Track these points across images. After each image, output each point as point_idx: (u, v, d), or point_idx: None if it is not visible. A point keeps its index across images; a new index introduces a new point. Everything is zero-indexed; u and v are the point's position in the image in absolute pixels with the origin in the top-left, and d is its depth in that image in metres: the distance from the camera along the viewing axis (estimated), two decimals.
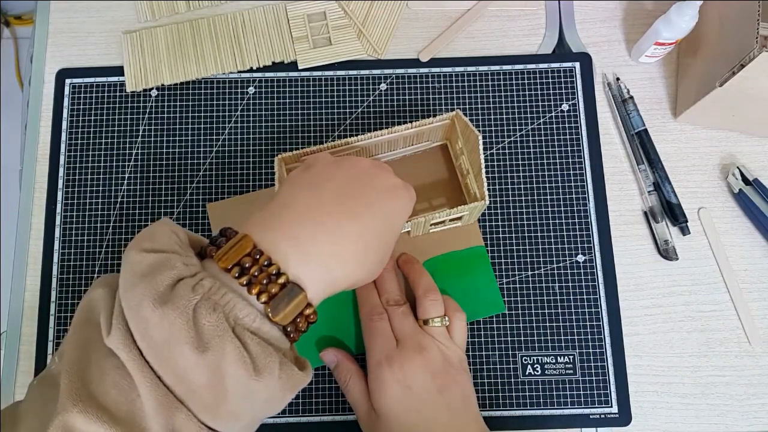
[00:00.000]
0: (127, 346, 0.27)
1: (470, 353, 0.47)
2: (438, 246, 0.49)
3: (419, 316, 0.43)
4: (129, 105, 0.53)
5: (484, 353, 0.48)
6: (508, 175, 0.51)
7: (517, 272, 0.49)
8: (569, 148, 0.51)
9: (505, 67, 0.53)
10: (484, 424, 0.42)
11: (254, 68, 0.53)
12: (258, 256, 0.29)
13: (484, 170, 0.43)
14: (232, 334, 0.27)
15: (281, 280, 0.29)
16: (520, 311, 0.48)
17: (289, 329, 0.30)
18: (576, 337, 0.48)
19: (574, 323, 0.48)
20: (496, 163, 0.51)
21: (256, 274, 0.29)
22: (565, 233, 0.50)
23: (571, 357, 0.47)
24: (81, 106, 0.53)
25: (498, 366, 0.47)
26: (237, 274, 0.29)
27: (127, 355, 0.26)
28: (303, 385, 0.30)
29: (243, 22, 0.54)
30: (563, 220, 0.50)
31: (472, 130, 0.43)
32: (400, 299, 0.44)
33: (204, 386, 0.27)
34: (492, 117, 0.52)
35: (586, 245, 0.49)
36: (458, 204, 0.47)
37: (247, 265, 0.29)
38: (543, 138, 0.52)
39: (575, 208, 0.50)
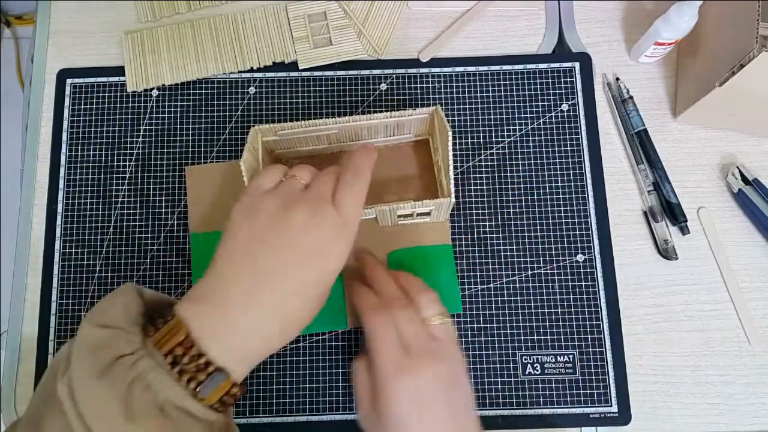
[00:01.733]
0: (72, 403, 0.30)
1: (470, 353, 0.48)
2: (405, 239, 0.49)
3: (418, 314, 0.42)
4: (130, 105, 0.53)
5: (484, 353, 0.48)
6: (508, 174, 0.51)
7: (517, 272, 0.49)
8: (569, 148, 0.51)
9: (505, 67, 0.53)
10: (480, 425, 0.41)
11: (255, 68, 0.53)
12: (190, 346, 0.32)
13: (452, 167, 0.43)
14: (158, 412, 0.31)
15: (210, 369, 0.33)
16: (520, 311, 0.48)
17: (215, 405, 0.33)
18: (576, 337, 0.48)
19: (574, 323, 0.48)
20: (496, 163, 0.51)
21: (186, 362, 0.32)
22: (564, 233, 0.50)
23: (570, 356, 0.47)
24: (82, 106, 0.53)
25: (498, 366, 0.47)
26: (170, 362, 0.32)
27: (70, 411, 0.30)
28: None
29: (243, 22, 0.54)
30: (563, 220, 0.50)
31: (445, 125, 0.43)
32: (404, 299, 0.42)
33: None
34: (492, 117, 0.52)
35: (585, 245, 0.50)
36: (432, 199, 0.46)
37: (179, 354, 0.32)
38: (543, 138, 0.52)
39: (575, 208, 0.50)
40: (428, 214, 0.47)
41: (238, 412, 0.46)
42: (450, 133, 0.42)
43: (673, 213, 0.49)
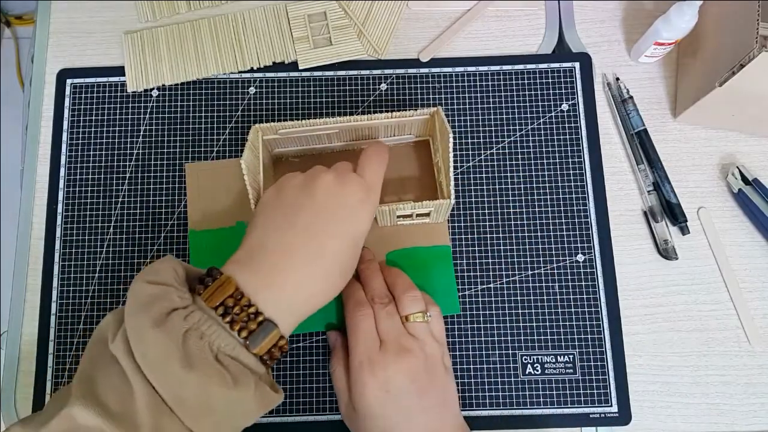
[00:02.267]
0: (128, 356, 0.31)
1: (470, 353, 0.48)
2: (404, 239, 0.49)
3: (400, 312, 0.43)
4: (130, 105, 0.53)
5: (484, 353, 0.48)
6: (508, 174, 0.51)
7: (516, 272, 0.49)
8: (569, 148, 0.51)
9: (505, 67, 0.53)
10: (464, 423, 0.43)
11: (255, 68, 0.53)
12: (239, 297, 0.34)
13: (452, 169, 0.43)
14: (214, 360, 0.32)
15: (259, 319, 0.34)
16: (520, 311, 0.48)
17: (264, 357, 0.35)
18: (576, 337, 0.48)
19: (574, 323, 0.48)
20: (496, 163, 0.51)
21: (237, 313, 0.34)
22: (564, 233, 0.50)
23: (571, 356, 0.47)
24: (82, 106, 0.53)
25: (498, 366, 0.47)
26: (221, 313, 0.33)
27: (126, 362, 0.31)
28: (275, 403, 0.35)
29: (243, 22, 0.54)
30: (563, 220, 0.50)
31: (446, 126, 0.43)
32: (386, 297, 0.44)
33: (190, 398, 0.31)
34: (492, 117, 0.52)
35: (585, 245, 0.50)
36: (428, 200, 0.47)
37: (230, 305, 0.34)
38: (543, 138, 0.52)
39: (575, 208, 0.50)
40: (428, 215, 0.47)
41: None
42: (451, 135, 0.42)
43: (673, 213, 0.49)
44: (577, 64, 0.53)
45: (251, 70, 0.53)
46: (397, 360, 0.40)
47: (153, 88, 0.53)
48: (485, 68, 0.53)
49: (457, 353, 0.48)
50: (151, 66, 0.53)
